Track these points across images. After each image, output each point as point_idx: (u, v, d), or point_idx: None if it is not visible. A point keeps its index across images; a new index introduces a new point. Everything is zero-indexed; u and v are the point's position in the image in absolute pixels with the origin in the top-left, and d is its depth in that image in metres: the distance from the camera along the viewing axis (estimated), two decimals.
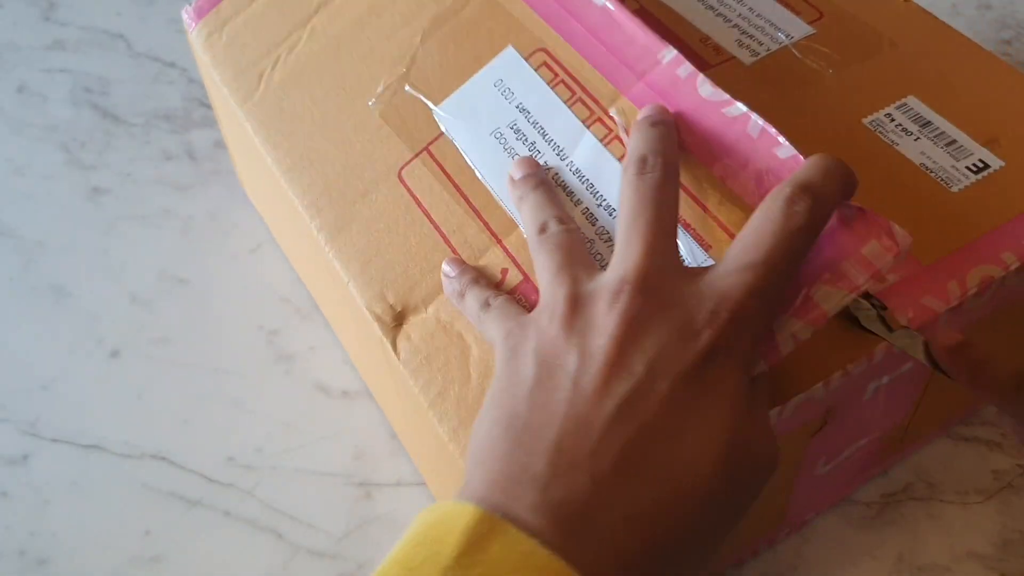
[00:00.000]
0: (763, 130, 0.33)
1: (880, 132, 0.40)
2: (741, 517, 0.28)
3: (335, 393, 0.50)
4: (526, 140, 0.38)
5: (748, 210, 0.33)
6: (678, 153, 0.33)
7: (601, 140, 0.37)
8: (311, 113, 0.44)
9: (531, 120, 0.39)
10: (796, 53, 0.44)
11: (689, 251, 0.33)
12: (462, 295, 0.35)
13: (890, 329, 0.34)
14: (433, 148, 0.40)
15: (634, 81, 0.37)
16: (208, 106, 0.65)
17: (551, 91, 0.39)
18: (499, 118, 0.39)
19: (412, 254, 0.38)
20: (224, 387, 0.51)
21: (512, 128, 0.39)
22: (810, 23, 0.45)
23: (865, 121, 0.41)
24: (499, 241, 0.37)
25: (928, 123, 0.40)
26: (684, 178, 0.35)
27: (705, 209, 0.34)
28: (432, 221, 0.39)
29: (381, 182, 0.40)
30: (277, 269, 0.55)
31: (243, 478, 0.47)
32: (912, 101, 0.41)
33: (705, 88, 0.35)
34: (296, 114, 0.44)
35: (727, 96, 0.34)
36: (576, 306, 0.29)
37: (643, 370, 0.27)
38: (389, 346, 0.37)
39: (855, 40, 0.44)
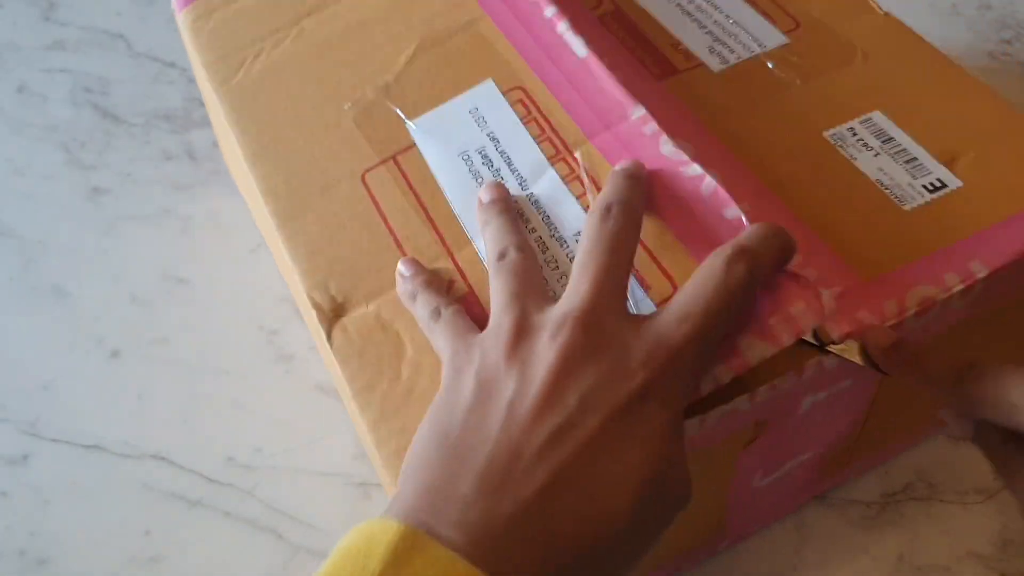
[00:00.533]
0: (715, 191, 0.35)
1: (840, 146, 0.40)
2: (653, 544, 0.29)
3: (335, 393, 0.50)
4: (491, 166, 0.39)
5: (691, 262, 0.34)
6: (643, 207, 0.35)
7: (563, 177, 0.38)
8: (285, 106, 0.44)
9: (499, 149, 0.40)
10: (767, 63, 0.44)
11: (630, 288, 0.35)
12: (413, 297, 0.36)
13: (823, 343, 0.34)
14: (400, 158, 0.41)
15: (602, 130, 0.39)
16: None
17: (522, 126, 0.40)
18: (469, 142, 0.40)
19: (363, 252, 0.39)
20: (224, 387, 0.51)
21: (480, 153, 0.40)
22: (785, 32, 0.45)
23: (826, 134, 0.41)
24: (451, 254, 0.38)
25: (890, 139, 0.40)
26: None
27: (651, 255, 0.35)
28: (388, 225, 0.39)
29: (344, 180, 0.41)
30: (277, 269, 0.55)
31: (243, 478, 0.47)
32: (877, 116, 0.41)
33: (667, 147, 0.37)
34: (270, 105, 0.45)
35: (686, 156, 0.36)
36: (521, 334, 0.31)
37: (575, 404, 0.28)
38: (324, 334, 0.37)
39: (828, 52, 0.44)
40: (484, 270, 0.37)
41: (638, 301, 0.35)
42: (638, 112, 0.38)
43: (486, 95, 0.42)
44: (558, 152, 0.39)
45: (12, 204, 0.60)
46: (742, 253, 0.31)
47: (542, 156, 0.39)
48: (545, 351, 0.30)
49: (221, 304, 0.54)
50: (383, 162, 0.41)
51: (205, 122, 0.64)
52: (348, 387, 0.36)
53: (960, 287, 0.35)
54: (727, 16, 0.46)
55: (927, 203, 0.38)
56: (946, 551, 0.44)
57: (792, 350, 0.34)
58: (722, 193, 0.35)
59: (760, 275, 0.31)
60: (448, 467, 0.28)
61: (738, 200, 0.36)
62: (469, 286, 0.37)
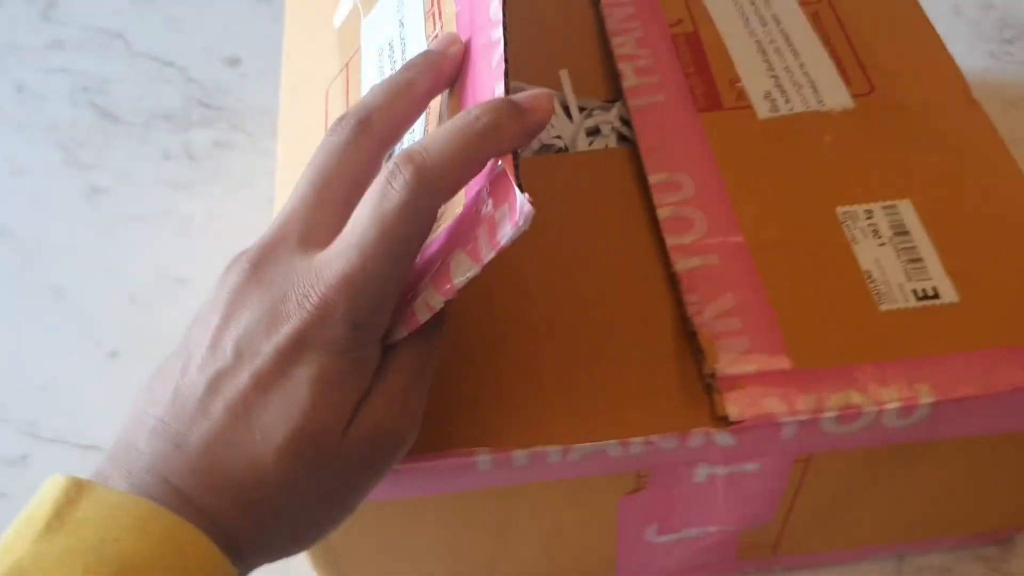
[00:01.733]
0: (500, 61, 0.29)
1: (846, 224, 0.38)
2: (360, 487, 0.29)
3: None
4: (393, 60, 0.37)
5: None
6: (399, 116, 0.30)
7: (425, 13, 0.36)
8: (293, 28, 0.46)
9: (402, 36, 0.37)
10: (817, 122, 0.42)
11: None
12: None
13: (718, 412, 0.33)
14: (351, 63, 0.40)
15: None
16: (207, 105, 0.65)
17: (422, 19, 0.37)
18: (387, 31, 0.38)
19: None
20: None
21: (390, 44, 0.38)
22: (855, 95, 0.43)
23: (840, 209, 0.39)
24: None
25: (905, 232, 0.38)
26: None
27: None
28: None
29: (316, 96, 0.41)
30: None
31: None
32: (904, 206, 0.39)
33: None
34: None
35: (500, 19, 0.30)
36: (227, 270, 0.29)
37: (231, 354, 0.27)
38: None
39: (887, 126, 0.42)
40: None
41: None
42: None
43: None
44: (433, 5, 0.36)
45: (11, 204, 0.60)
46: (404, 165, 0.26)
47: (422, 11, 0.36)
48: (217, 292, 0.29)
49: None
50: (340, 72, 0.40)
51: (204, 121, 0.64)
52: None
53: (895, 405, 0.33)
54: (801, 64, 0.44)
55: (907, 308, 0.36)
56: (946, 551, 0.44)
57: (679, 412, 0.33)
58: (504, 66, 0.29)
59: (434, 188, 0.26)
60: (135, 418, 0.29)
61: (703, 251, 0.36)
62: None
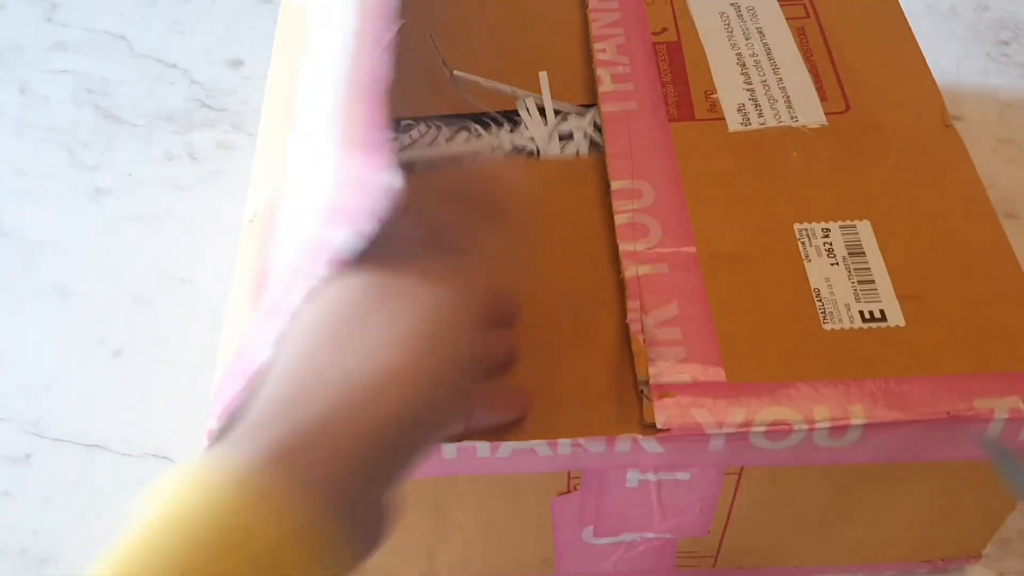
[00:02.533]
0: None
1: (802, 242, 0.38)
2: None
3: None
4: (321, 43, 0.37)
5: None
6: None
7: None
8: None
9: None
10: (787, 138, 0.42)
11: None
12: None
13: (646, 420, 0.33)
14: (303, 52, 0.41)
15: None
16: (209, 106, 0.65)
17: None
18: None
19: None
20: None
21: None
22: (829, 113, 0.43)
23: (796, 226, 0.38)
24: None
25: (860, 253, 0.38)
26: None
27: None
28: None
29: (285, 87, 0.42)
30: None
31: None
32: (863, 226, 0.38)
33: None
34: None
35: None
36: None
37: None
38: None
39: (859, 146, 0.42)
40: None
41: None
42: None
43: None
44: None
45: (14, 204, 0.60)
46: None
47: None
48: None
49: (222, 304, 0.54)
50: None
51: (207, 123, 0.64)
52: None
53: (826, 425, 0.33)
54: (780, 79, 0.44)
55: (851, 330, 0.35)
56: None
57: (610, 417, 0.33)
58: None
59: None
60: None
61: (654, 260, 0.36)
62: None
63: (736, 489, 0.37)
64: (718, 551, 0.41)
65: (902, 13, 0.48)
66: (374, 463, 0.25)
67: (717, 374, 0.34)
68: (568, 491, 0.37)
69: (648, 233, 0.38)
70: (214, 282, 0.56)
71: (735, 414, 0.33)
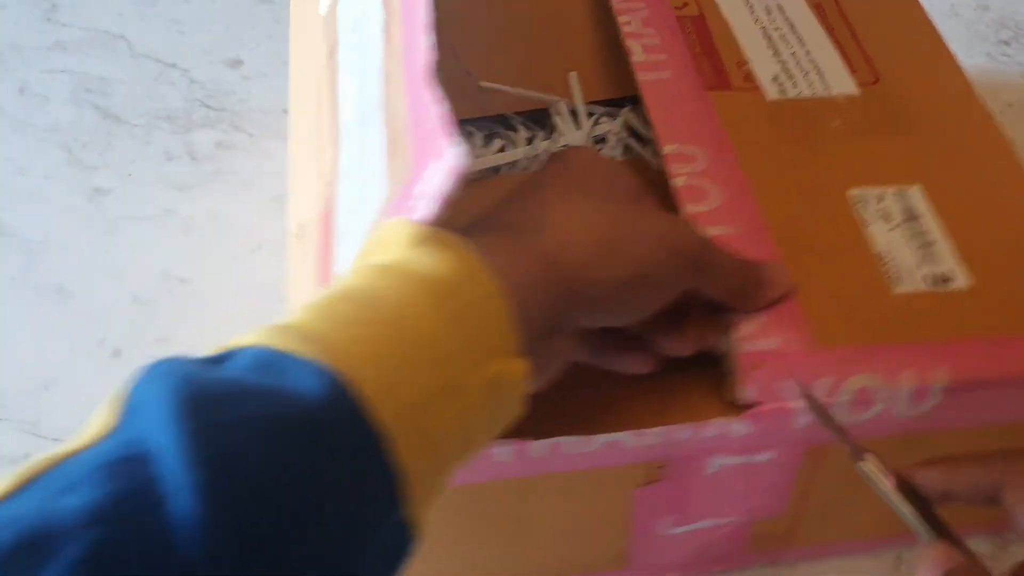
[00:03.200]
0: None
1: (858, 208, 0.38)
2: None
3: None
4: (360, 39, 0.38)
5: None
6: None
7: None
8: None
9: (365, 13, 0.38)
10: (825, 108, 0.42)
11: None
12: None
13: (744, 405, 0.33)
14: (334, 50, 0.41)
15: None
16: (209, 106, 0.65)
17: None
18: (354, 13, 0.39)
19: None
20: None
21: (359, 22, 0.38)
22: (860, 84, 0.43)
23: (850, 192, 0.39)
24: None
25: (915, 218, 0.38)
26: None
27: None
28: None
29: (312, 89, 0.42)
30: (277, 269, 0.55)
31: None
32: (914, 191, 0.39)
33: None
34: None
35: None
36: None
37: None
38: None
39: (894, 114, 0.42)
40: None
41: None
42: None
43: None
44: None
45: (14, 204, 0.60)
46: None
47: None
48: None
49: (222, 304, 0.54)
50: (328, 59, 0.41)
51: (206, 122, 0.64)
52: None
53: (912, 387, 0.33)
54: (807, 52, 0.45)
55: (920, 292, 0.35)
56: None
57: (695, 403, 0.33)
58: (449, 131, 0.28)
59: None
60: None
61: (720, 222, 0.35)
62: None
63: (814, 466, 0.37)
64: (792, 528, 0.41)
65: None
66: (566, 315, 0.28)
67: (805, 340, 0.34)
68: (651, 482, 0.36)
69: (708, 196, 0.38)
70: (214, 282, 0.56)
71: (823, 384, 0.33)
